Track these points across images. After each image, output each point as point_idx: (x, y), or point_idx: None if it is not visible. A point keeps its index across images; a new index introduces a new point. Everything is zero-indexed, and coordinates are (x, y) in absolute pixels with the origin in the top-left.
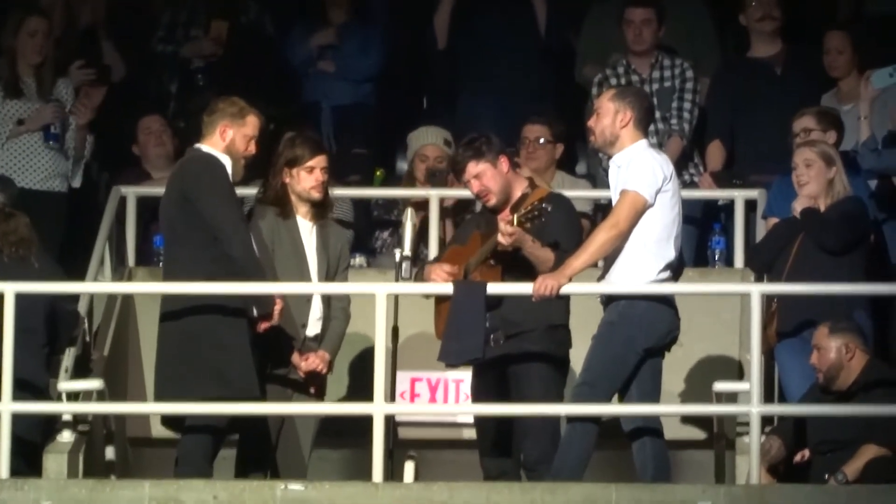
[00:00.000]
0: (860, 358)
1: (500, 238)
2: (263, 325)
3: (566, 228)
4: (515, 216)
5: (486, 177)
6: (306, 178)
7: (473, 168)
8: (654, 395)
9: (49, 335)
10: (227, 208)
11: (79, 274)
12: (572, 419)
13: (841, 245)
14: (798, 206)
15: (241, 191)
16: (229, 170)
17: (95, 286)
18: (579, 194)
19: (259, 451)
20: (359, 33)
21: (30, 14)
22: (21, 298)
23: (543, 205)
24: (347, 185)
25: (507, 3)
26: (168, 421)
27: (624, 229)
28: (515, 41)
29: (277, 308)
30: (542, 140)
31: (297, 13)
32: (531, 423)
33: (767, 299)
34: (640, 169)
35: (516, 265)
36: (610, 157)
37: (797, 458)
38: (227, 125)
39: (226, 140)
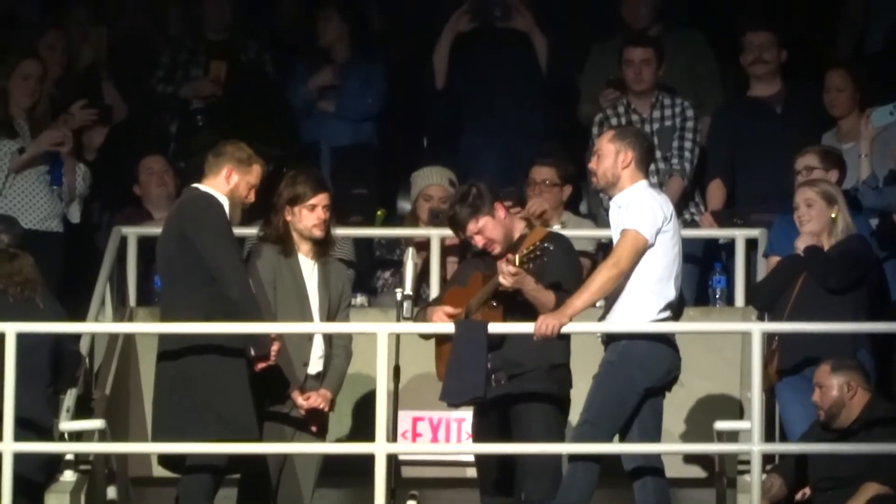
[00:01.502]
0: (862, 396)
1: (502, 279)
2: (260, 366)
3: (566, 268)
4: (517, 257)
5: (487, 230)
6: (308, 216)
7: (474, 226)
8: (655, 434)
9: (53, 375)
10: (226, 248)
11: (78, 314)
12: (574, 458)
13: (843, 284)
14: (801, 245)
15: (240, 231)
16: (227, 211)
17: (97, 326)
18: (583, 234)
19: (260, 490)
20: (359, 72)
21: (25, 57)
22: (25, 339)
23: (545, 245)
24: (348, 226)
25: (506, 41)
26: (166, 461)
27: (625, 269)
28: (516, 80)
29: (274, 349)
30: (548, 182)
31: (298, 53)
32: (533, 462)
33: (768, 337)
34: (640, 209)
35: (518, 306)
36: (611, 198)
37: (798, 496)
38: (233, 170)
39: (230, 184)
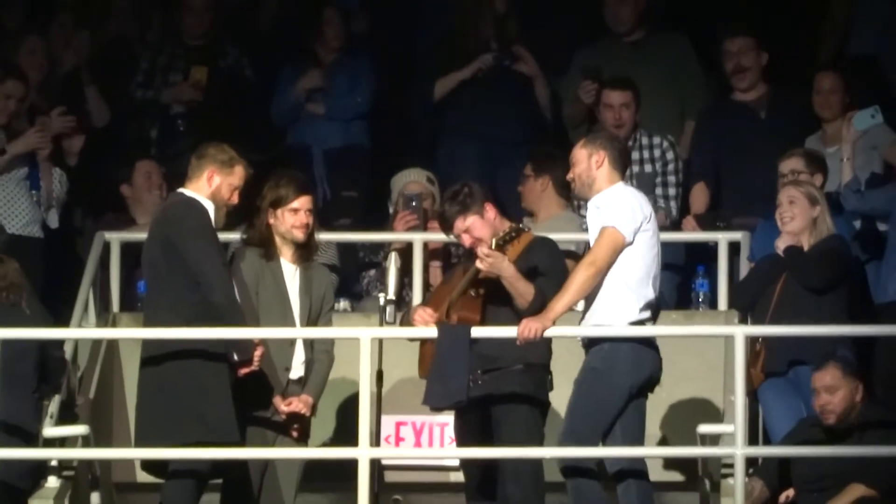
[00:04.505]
0: (863, 398)
1: (479, 264)
2: (243, 371)
3: (551, 266)
4: (494, 240)
5: (475, 229)
6: (290, 219)
7: (462, 224)
8: (638, 437)
9: (39, 381)
10: (210, 253)
11: (60, 319)
12: (569, 476)
13: (823, 283)
14: (781, 244)
15: (224, 236)
16: (212, 215)
17: (81, 332)
18: (572, 237)
19: (242, 495)
20: (347, 71)
21: (11, 77)
22: (11, 344)
23: (520, 225)
24: (336, 229)
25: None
26: (148, 466)
27: (602, 266)
28: (499, 87)
29: (257, 354)
30: (525, 174)
31: (281, 57)
32: (513, 466)
33: (752, 340)
34: (618, 207)
35: (498, 297)
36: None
37: (781, 498)
38: (215, 171)
39: (212, 186)
